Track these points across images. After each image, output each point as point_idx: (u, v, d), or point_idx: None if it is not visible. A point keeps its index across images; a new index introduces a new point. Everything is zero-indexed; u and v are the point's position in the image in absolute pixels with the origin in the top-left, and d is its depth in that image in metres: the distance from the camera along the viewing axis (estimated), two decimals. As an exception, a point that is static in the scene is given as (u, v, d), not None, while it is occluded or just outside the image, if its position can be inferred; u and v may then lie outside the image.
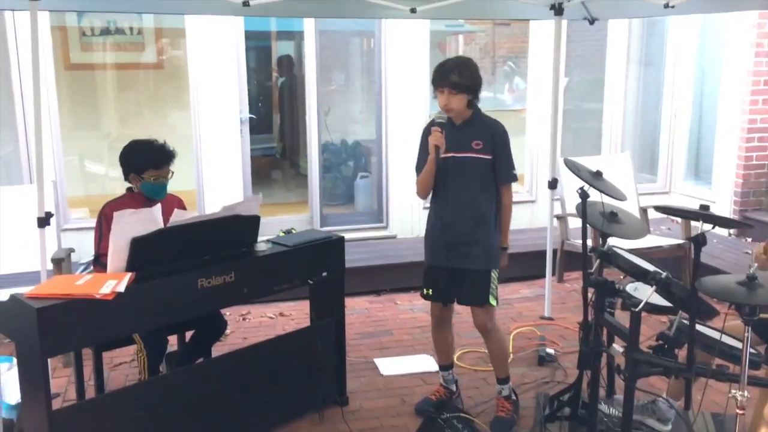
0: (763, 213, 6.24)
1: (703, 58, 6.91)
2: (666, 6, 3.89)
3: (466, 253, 3.28)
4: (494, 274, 3.33)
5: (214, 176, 5.87)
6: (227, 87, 5.82)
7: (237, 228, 3.03)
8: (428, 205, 6.51)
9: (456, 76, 3.12)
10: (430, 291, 3.41)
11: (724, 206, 6.31)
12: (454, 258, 3.29)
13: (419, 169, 3.34)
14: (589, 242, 3.32)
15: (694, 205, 6.04)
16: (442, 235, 3.30)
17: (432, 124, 3.20)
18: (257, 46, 8.20)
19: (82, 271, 4.76)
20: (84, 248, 4.98)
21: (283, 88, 8.52)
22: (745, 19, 6.14)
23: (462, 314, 3.48)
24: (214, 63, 5.76)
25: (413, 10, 4.17)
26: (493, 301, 3.33)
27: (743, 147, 6.24)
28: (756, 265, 2.27)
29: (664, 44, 7.06)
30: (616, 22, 6.76)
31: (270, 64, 8.70)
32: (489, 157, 3.22)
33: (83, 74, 6.32)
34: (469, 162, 3.22)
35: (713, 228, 2.46)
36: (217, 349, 3.58)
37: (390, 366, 4.10)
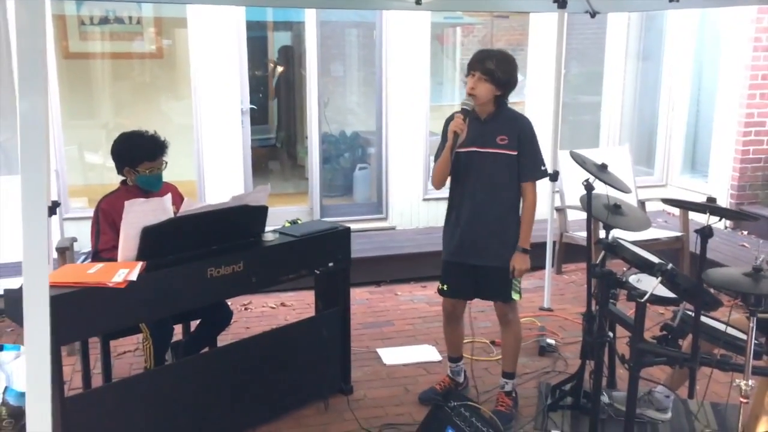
0: (760, 206, 6.30)
1: (701, 52, 6.95)
2: (670, 0, 3.92)
3: (486, 250, 3.24)
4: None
5: (214, 167, 5.88)
6: (229, 77, 5.82)
7: (245, 218, 3.05)
8: (428, 196, 6.56)
9: (492, 64, 3.06)
10: (446, 287, 3.39)
11: (721, 199, 6.37)
12: (474, 255, 3.26)
13: (438, 158, 3.28)
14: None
15: (690, 198, 6.12)
16: (462, 231, 3.26)
17: (458, 112, 3.13)
18: (254, 36, 8.18)
19: (83, 261, 4.77)
20: (84, 238, 4.99)
21: (281, 78, 8.52)
22: (743, 14, 6.19)
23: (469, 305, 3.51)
24: (216, 53, 5.76)
25: (418, 2, 4.19)
26: (516, 296, 3.32)
27: (740, 141, 6.30)
28: (763, 257, 2.32)
29: (662, 38, 7.10)
30: (615, 15, 6.79)
31: (267, 54, 8.69)
32: (514, 152, 3.17)
33: (82, 63, 6.30)
34: (494, 157, 3.17)
35: (719, 221, 2.50)
36: (221, 339, 3.60)
37: (392, 356, 4.14)
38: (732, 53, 6.37)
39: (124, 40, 6.36)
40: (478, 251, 3.25)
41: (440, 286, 3.41)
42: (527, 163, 3.21)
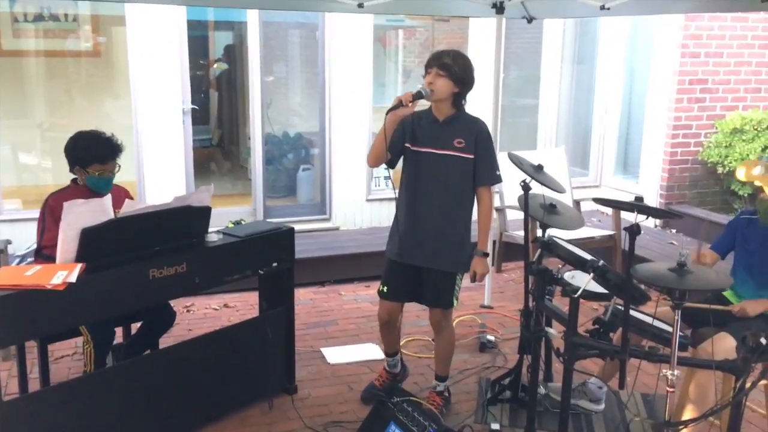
0: (687, 206, 6.59)
1: (633, 57, 7.22)
2: (602, 8, 4.07)
3: (434, 253, 3.24)
4: (459, 277, 3.32)
5: (155, 167, 5.79)
6: (169, 76, 5.74)
7: (188, 219, 3.03)
8: (372, 197, 6.59)
9: (449, 59, 3.09)
10: (386, 288, 3.36)
11: (651, 199, 6.64)
12: (421, 256, 3.26)
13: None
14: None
15: (622, 198, 6.34)
16: (412, 232, 3.25)
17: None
18: (195, 35, 8.09)
19: (19, 263, 4.64)
20: (18, 240, 4.85)
21: (223, 78, 8.44)
22: (672, 21, 6.46)
23: (407, 307, 3.55)
24: (155, 52, 5.68)
25: (360, 5, 4.23)
26: (455, 303, 3.35)
27: (669, 143, 6.57)
28: (686, 252, 2.44)
29: (595, 44, 7.34)
30: (551, 21, 6.99)
31: (208, 54, 8.60)
32: (471, 156, 3.19)
33: (15, 61, 6.10)
34: (450, 160, 3.18)
35: (646, 219, 2.62)
36: (163, 341, 3.56)
37: (336, 355, 4.17)
38: (661, 58, 6.64)
39: (59, 38, 6.19)
40: (426, 253, 3.25)
41: (380, 287, 3.40)
42: (484, 167, 3.22)
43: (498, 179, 3.28)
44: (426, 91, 3.08)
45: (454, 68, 3.10)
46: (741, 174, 3.08)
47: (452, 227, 3.25)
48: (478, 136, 3.21)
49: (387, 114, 3.03)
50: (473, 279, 3.31)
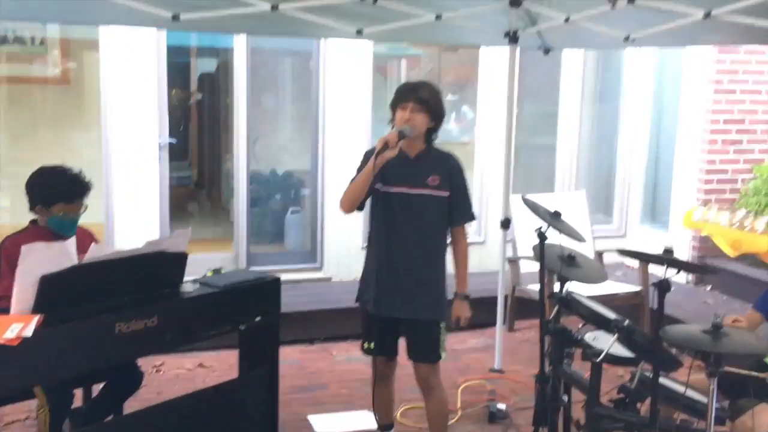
0: (724, 260, 6.56)
1: (661, 94, 7.31)
2: (626, 39, 4.14)
3: (415, 302, 3.29)
4: (443, 325, 3.37)
5: (126, 208, 5.80)
6: (145, 107, 5.80)
7: (161, 266, 3.04)
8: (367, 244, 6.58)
9: (425, 93, 3.21)
10: (372, 344, 3.39)
11: (683, 252, 6.63)
12: (400, 307, 3.30)
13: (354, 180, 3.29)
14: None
15: (650, 250, 6.34)
16: (388, 280, 3.30)
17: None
18: (176, 62, 8.21)
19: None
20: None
21: (205, 110, 8.53)
22: (704, 54, 6.55)
23: (404, 365, 3.54)
24: (131, 80, 5.75)
25: (359, 32, 4.31)
26: (443, 355, 3.37)
27: (702, 189, 6.60)
28: (722, 314, 2.44)
29: (620, 78, 7.44)
30: (570, 52, 7.10)
31: (190, 83, 8.72)
32: (446, 194, 3.29)
33: (-26, 87, 6.19)
34: (424, 200, 3.26)
35: (677, 273, 2.63)
36: (128, 405, 3.51)
37: (326, 424, 4.12)
38: (692, 96, 6.71)
39: (24, 63, 6.28)
40: (407, 303, 3.29)
41: (365, 345, 3.42)
42: (460, 205, 3.35)
43: (473, 217, 3.44)
44: (408, 130, 3.18)
45: (431, 102, 3.23)
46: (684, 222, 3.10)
47: (432, 272, 3.33)
48: (452, 172, 3.32)
49: (375, 158, 3.11)
50: (456, 324, 3.38)
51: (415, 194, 3.26)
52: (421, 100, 3.20)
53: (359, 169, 3.33)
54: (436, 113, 3.25)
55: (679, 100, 6.90)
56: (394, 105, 3.27)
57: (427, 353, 3.35)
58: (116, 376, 3.34)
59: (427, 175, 3.27)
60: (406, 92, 3.24)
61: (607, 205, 7.56)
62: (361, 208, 3.33)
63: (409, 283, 3.28)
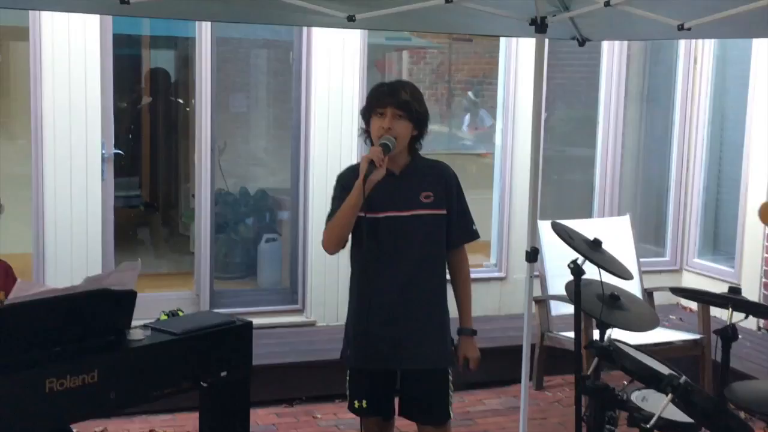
0: (802, 300, 6.57)
1: (724, 94, 7.33)
2: (680, 28, 4.16)
3: (414, 349, 3.32)
4: (450, 374, 3.41)
5: (61, 235, 5.78)
6: (86, 110, 5.79)
7: (104, 308, 3.04)
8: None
9: (406, 95, 3.27)
10: (364, 403, 3.40)
11: (752, 291, 6.61)
12: (397, 357, 3.33)
13: (331, 216, 3.36)
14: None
15: (713, 287, 6.32)
16: (381, 325, 3.31)
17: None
18: (124, 55, 8.26)
19: None
20: None
21: (159, 114, 8.56)
22: (775, 47, 6.59)
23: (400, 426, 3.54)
24: (68, 76, 5.75)
25: (351, 18, 4.32)
26: (451, 412, 3.40)
27: (776, 212, 6.60)
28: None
29: (673, 76, 7.46)
30: (611, 44, 7.14)
31: (141, 81, 8.76)
32: (443, 211, 3.34)
33: None
34: (419, 222, 3.31)
35: (746, 318, 2.63)
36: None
37: (308, 506, 4.10)
38: (763, 98, 6.73)
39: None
40: (405, 351, 3.32)
41: (355, 404, 3.44)
42: (459, 223, 3.40)
43: (476, 235, 3.49)
44: (392, 141, 3.22)
45: (414, 105, 3.28)
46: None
47: (434, 309, 3.38)
48: (447, 183, 3.39)
49: (364, 182, 3.14)
50: (465, 368, 3.41)
51: (407, 217, 3.31)
52: (402, 104, 3.24)
53: (334, 199, 3.39)
54: (419, 119, 3.31)
55: (747, 101, 6.93)
56: (368, 112, 3.32)
57: (431, 412, 3.38)
58: (46, 445, 3.32)
59: (418, 192, 3.32)
60: (382, 96, 3.29)
61: (657, 232, 7.57)
62: (344, 245, 3.39)
63: (405, 325, 3.32)
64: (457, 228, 3.39)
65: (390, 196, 3.29)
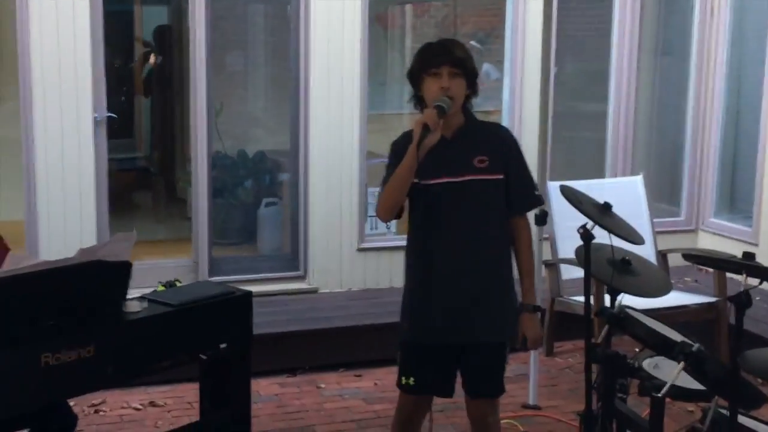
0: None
1: (742, 47, 7.28)
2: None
3: (474, 321, 3.31)
4: (507, 347, 3.41)
5: (53, 202, 5.80)
6: (77, 72, 5.78)
7: (99, 280, 3.04)
8: (366, 245, 6.62)
9: (461, 51, 3.25)
10: (412, 380, 3.40)
11: (770, 250, 6.64)
12: (456, 330, 3.32)
13: (386, 182, 3.32)
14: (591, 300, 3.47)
15: (730, 248, 6.33)
16: (440, 297, 3.31)
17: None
18: (115, 11, 8.23)
19: None
20: None
21: (154, 74, 8.53)
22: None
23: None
24: (58, 36, 5.73)
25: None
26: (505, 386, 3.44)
27: (796, 168, 6.59)
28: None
29: (689, 27, 7.40)
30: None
31: (134, 39, 8.73)
32: (500, 176, 3.30)
33: None
34: (474, 187, 3.28)
35: (760, 284, 2.64)
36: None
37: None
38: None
39: None
40: (466, 324, 3.31)
41: (403, 380, 3.43)
42: (519, 189, 3.35)
43: (540, 201, 3.49)
44: (448, 103, 3.18)
45: (468, 63, 3.26)
46: None
47: (495, 279, 3.36)
48: (504, 146, 3.36)
49: (418, 148, 3.10)
50: (524, 346, 3.41)
51: (461, 182, 3.28)
52: (457, 61, 3.21)
53: (388, 167, 3.35)
54: (473, 75, 3.29)
55: (765, 54, 6.88)
56: (418, 73, 3.27)
57: (488, 386, 3.40)
58: (42, 420, 3.36)
59: (472, 156, 3.29)
60: (437, 54, 3.24)
61: (672, 191, 7.56)
62: (399, 215, 3.36)
63: (465, 297, 3.30)
64: (516, 195, 3.34)
65: (442, 162, 3.25)
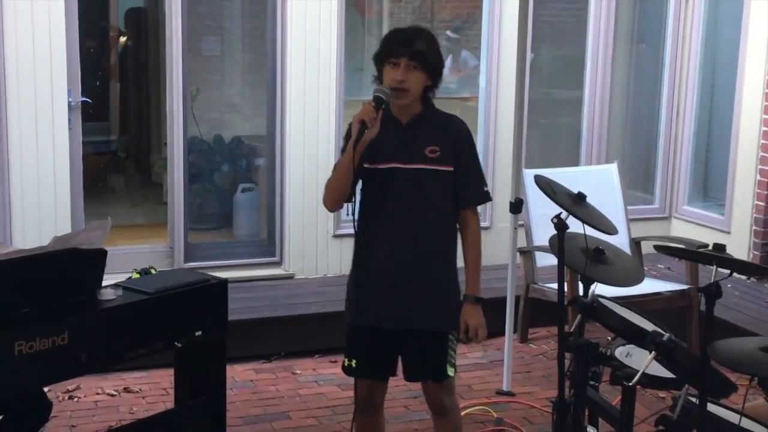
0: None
1: (716, 36, 7.31)
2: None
3: (415, 308, 3.33)
4: (452, 336, 3.41)
5: (25, 188, 5.76)
6: (50, 55, 5.73)
7: (73, 268, 3.04)
8: (342, 231, 6.63)
9: (422, 45, 3.23)
10: (354, 362, 3.42)
11: (742, 238, 6.68)
12: (396, 315, 3.33)
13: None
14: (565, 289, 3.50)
15: (702, 236, 6.39)
16: (382, 282, 3.34)
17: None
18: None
19: None
20: None
21: (129, 58, 8.48)
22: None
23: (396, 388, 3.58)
24: (31, 18, 5.68)
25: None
26: (451, 371, 3.42)
27: (768, 158, 6.64)
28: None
29: (664, 15, 7.43)
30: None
31: (109, 22, 8.66)
32: (450, 168, 3.31)
33: None
34: (423, 176, 3.29)
35: (730, 276, 2.67)
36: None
37: (287, 464, 4.17)
38: (756, 38, 6.71)
39: None
40: (406, 310, 3.33)
41: (346, 362, 3.46)
42: (468, 183, 3.37)
43: (487, 197, 3.48)
44: (386, 94, 3.19)
45: (429, 56, 3.25)
46: None
47: (437, 268, 3.37)
48: (456, 139, 3.36)
49: (354, 147, 3.12)
50: (467, 336, 3.40)
51: (411, 170, 3.29)
52: (417, 54, 3.21)
53: (346, 137, 3.35)
54: (434, 70, 3.28)
55: (739, 43, 6.92)
56: (380, 59, 3.28)
57: (426, 370, 3.41)
58: (17, 408, 3.35)
59: (424, 145, 3.29)
60: (397, 45, 3.24)
61: (646, 179, 7.60)
62: (350, 198, 3.34)
63: (407, 284, 3.32)
64: (465, 188, 3.35)
65: (394, 147, 3.27)
